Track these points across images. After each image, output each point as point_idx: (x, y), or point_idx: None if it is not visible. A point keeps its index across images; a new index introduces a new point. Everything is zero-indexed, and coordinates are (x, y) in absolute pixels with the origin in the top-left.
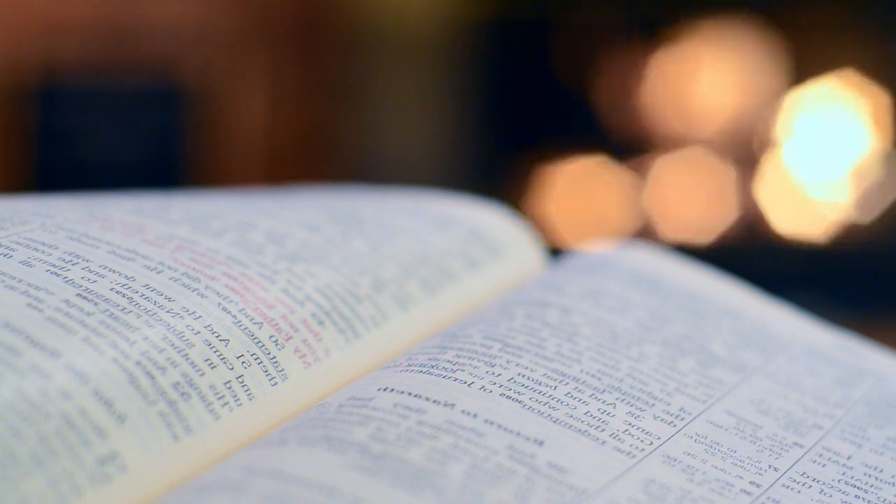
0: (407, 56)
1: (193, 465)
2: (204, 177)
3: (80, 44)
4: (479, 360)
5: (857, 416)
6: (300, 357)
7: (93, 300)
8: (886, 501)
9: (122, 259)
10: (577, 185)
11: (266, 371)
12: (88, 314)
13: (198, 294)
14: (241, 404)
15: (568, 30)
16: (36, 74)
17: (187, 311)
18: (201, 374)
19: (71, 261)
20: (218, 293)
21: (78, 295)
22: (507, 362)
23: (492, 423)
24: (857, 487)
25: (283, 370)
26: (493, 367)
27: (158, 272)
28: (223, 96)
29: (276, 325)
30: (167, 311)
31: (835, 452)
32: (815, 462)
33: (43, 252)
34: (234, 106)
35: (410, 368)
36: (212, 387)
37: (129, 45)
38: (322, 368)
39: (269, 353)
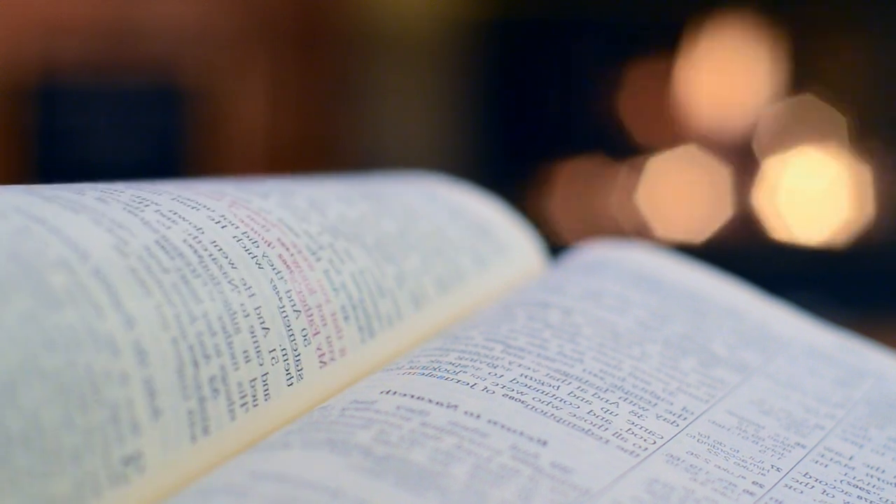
0: (407, 56)
1: (201, 468)
2: (204, 177)
3: (80, 44)
4: (481, 362)
5: (858, 416)
6: (319, 356)
7: (170, 253)
8: (889, 502)
9: (188, 207)
10: (577, 185)
11: (287, 370)
12: (165, 271)
13: (256, 263)
14: (256, 405)
15: (567, 30)
16: (36, 74)
17: (245, 284)
18: (236, 369)
19: (142, 201)
20: (272, 265)
21: (157, 242)
22: (510, 363)
23: (495, 424)
24: (860, 488)
25: (301, 369)
26: (495, 368)
27: (223, 227)
28: (223, 96)
29: (311, 316)
30: (229, 282)
31: (836, 453)
32: (817, 462)
33: (112, 193)
34: (234, 106)
35: (412, 371)
36: (239, 384)
37: (129, 45)
38: (334, 369)
39: (296, 350)
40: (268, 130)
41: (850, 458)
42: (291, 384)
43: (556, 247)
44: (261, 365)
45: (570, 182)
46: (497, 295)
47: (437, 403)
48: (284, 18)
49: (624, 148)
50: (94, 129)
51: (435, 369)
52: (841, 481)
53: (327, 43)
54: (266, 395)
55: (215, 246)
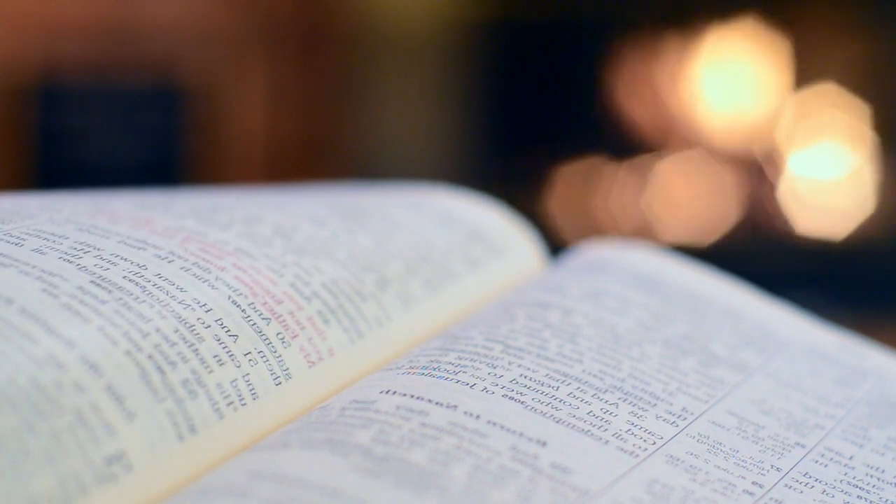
0: (407, 56)
1: (195, 466)
2: (204, 177)
3: (80, 44)
4: (480, 362)
5: (858, 416)
6: (305, 356)
7: (106, 288)
8: (888, 502)
9: (133, 248)
10: (577, 185)
11: (271, 370)
12: (103, 302)
13: (208, 285)
14: (245, 404)
15: (568, 30)
16: (36, 74)
17: (198, 302)
18: (210, 372)
19: (83, 249)
20: (228, 285)
21: (92, 282)
22: (509, 364)
23: (494, 425)
24: (859, 488)
25: (287, 369)
26: (495, 368)
27: (169, 261)
28: (223, 96)
29: (284, 321)
30: (179, 302)
31: (836, 452)
32: (817, 462)
33: (54, 241)
34: (234, 106)
35: (412, 371)
36: (219, 385)
37: (129, 45)
38: (325, 368)
39: (275, 352)
40: (267, 131)
41: (850, 458)
42: (280, 384)
43: (556, 247)
44: (238, 367)
45: (570, 182)
46: (494, 295)
47: (437, 403)
48: (284, 18)
49: (625, 148)
50: (94, 129)
51: (435, 369)
52: (841, 481)
53: (327, 43)
54: (253, 394)
55: (160, 277)
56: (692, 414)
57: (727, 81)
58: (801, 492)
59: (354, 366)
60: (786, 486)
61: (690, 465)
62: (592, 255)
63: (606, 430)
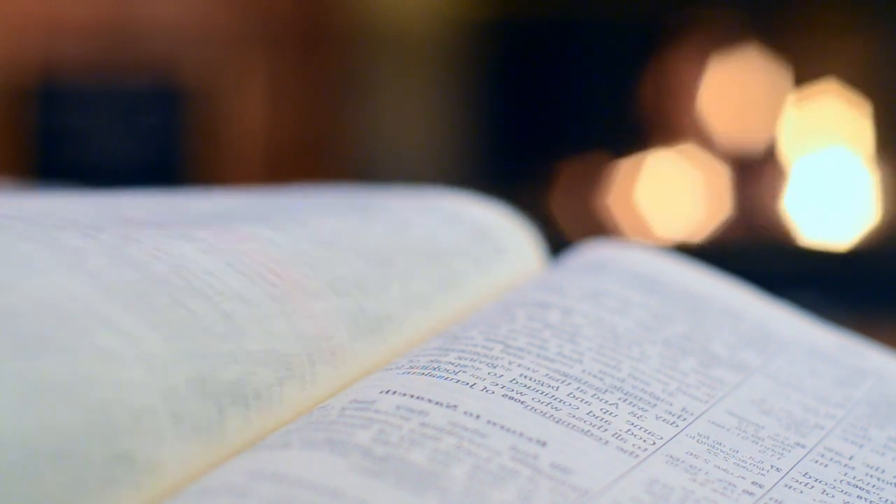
0: (407, 56)
1: (194, 466)
2: (204, 177)
3: (80, 44)
4: (480, 362)
5: (858, 416)
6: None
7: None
8: (888, 502)
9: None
10: (577, 184)
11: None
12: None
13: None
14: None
15: (566, 29)
16: (36, 74)
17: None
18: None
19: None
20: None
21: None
22: (509, 363)
23: (494, 424)
24: (859, 488)
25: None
26: (494, 368)
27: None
28: (223, 96)
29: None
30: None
31: (836, 453)
32: (817, 462)
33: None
34: (234, 106)
35: (412, 370)
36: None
37: (129, 45)
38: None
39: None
40: (267, 131)
41: (850, 458)
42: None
43: (557, 247)
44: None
45: (570, 182)
46: (496, 295)
47: (437, 403)
48: (284, 18)
49: (625, 147)
50: (94, 129)
51: (435, 369)
52: (841, 481)
53: (327, 43)
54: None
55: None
56: (692, 414)
57: (726, 80)
58: (801, 492)
59: (357, 366)
60: (786, 486)
61: (690, 466)
62: (593, 255)
63: (606, 430)
